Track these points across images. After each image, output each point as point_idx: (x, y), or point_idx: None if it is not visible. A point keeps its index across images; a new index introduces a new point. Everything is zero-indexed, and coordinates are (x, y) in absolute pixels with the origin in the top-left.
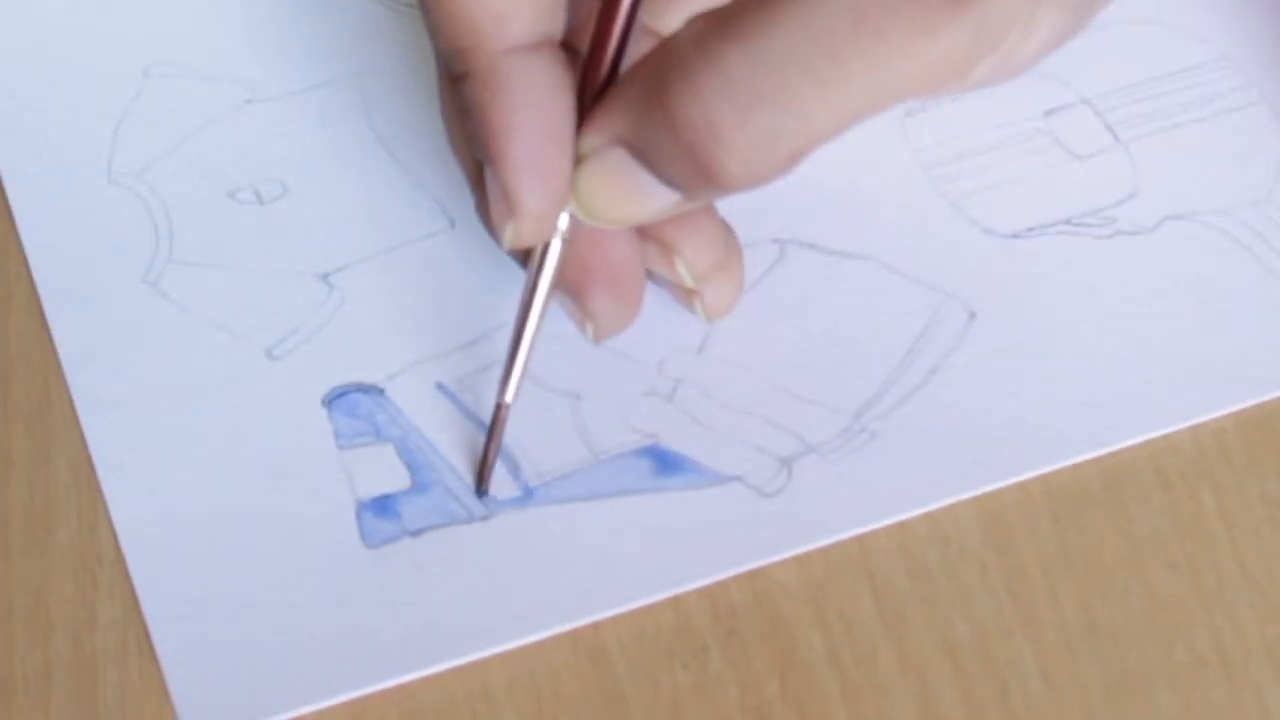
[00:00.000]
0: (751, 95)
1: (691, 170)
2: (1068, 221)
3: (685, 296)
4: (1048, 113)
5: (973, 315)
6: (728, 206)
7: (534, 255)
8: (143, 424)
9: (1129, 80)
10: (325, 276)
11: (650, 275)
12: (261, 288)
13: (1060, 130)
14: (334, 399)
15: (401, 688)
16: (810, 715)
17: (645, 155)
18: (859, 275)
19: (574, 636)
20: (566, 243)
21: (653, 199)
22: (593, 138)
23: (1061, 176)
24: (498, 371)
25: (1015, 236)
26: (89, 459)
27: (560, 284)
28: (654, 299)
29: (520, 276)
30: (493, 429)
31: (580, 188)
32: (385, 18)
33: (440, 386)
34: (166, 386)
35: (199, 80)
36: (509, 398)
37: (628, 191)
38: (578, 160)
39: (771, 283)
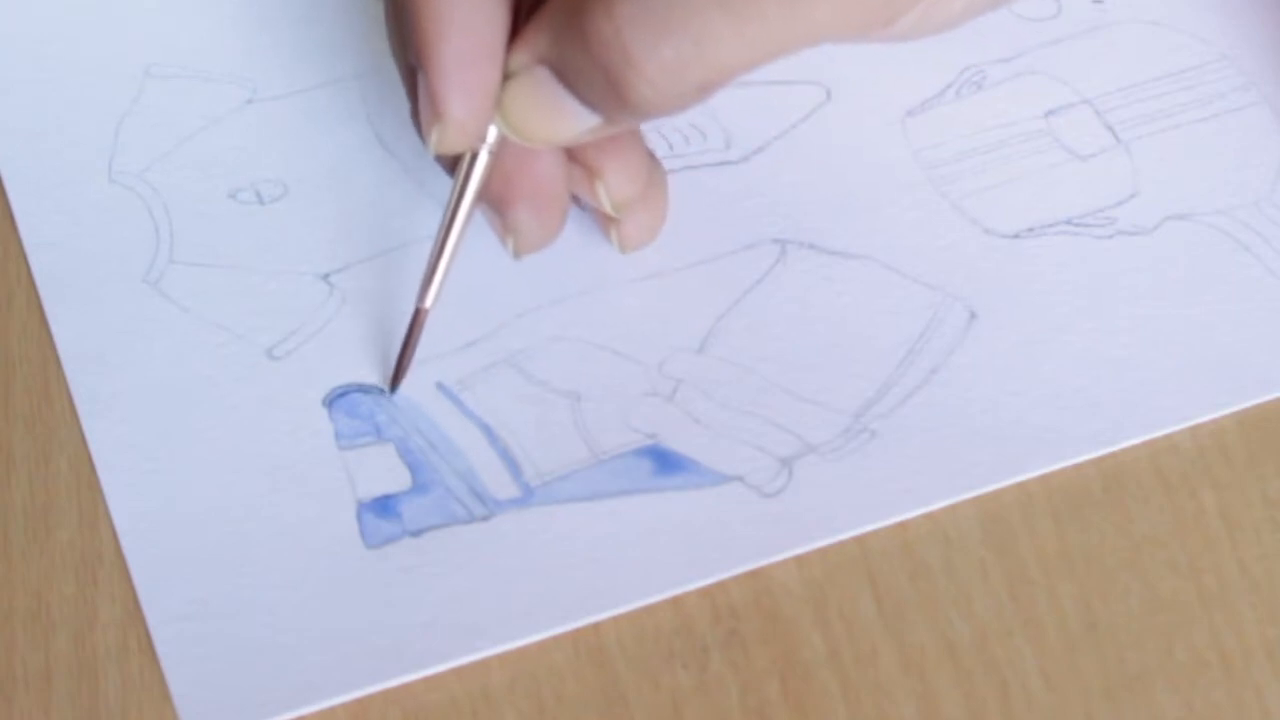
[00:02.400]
0: (664, 21)
1: (606, 92)
2: (1068, 221)
3: (605, 224)
4: (1048, 113)
5: (973, 315)
6: (727, 206)
7: (460, 165)
8: (143, 424)
9: (1129, 80)
10: (325, 276)
11: (575, 200)
12: (262, 288)
13: (1061, 130)
14: (334, 399)
15: (402, 687)
16: (810, 715)
17: (565, 75)
18: (859, 275)
19: (574, 636)
20: (493, 156)
21: (574, 120)
22: (520, 55)
23: (1062, 176)
24: (498, 371)
25: (1015, 236)
26: (89, 459)
27: (485, 196)
28: (652, 300)
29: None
30: (410, 333)
31: (505, 104)
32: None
33: (440, 386)
34: (166, 386)
35: (199, 80)
36: (428, 303)
37: (550, 111)
38: (506, 76)
39: (771, 283)
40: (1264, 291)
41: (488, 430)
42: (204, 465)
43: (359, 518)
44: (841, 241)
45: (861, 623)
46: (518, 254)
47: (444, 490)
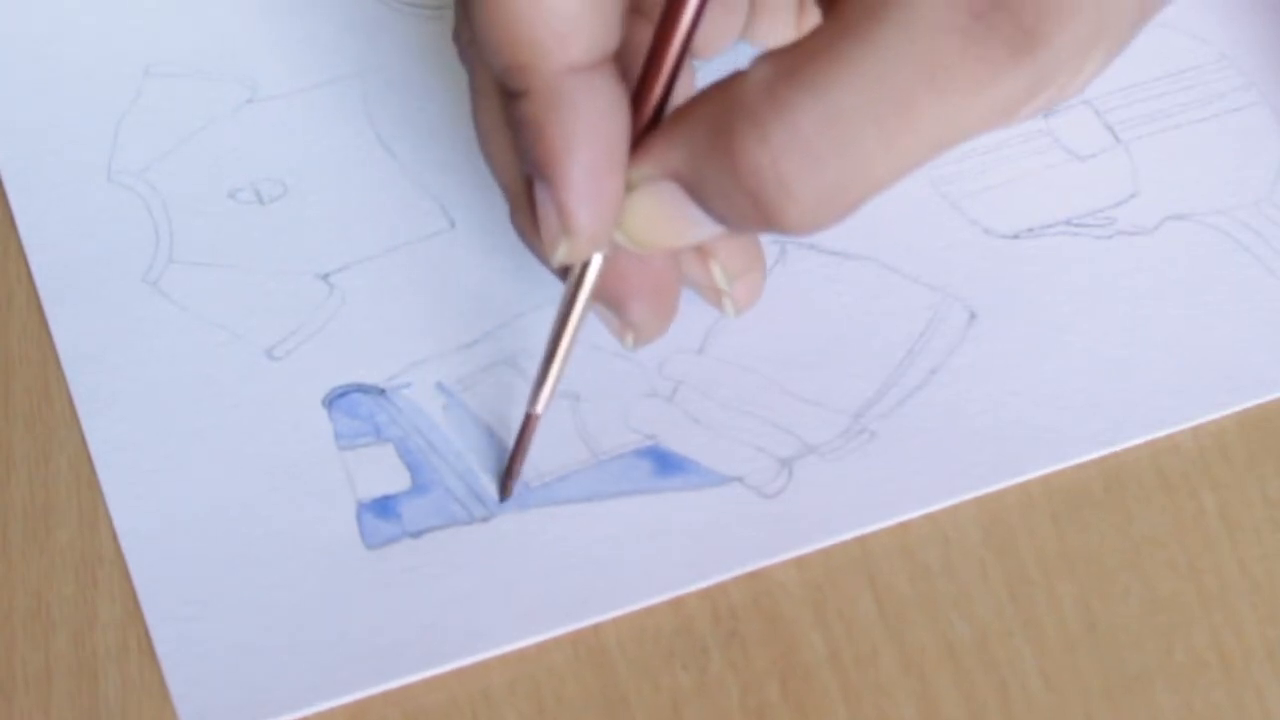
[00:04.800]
0: (820, 149)
1: (752, 214)
2: (1068, 222)
3: (714, 295)
4: (1048, 113)
5: (973, 315)
6: None
7: (574, 267)
8: (143, 424)
9: (1129, 80)
10: (325, 276)
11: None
12: (262, 288)
13: (1060, 130)
14: (334, 399)
15: (402, 689)
16: (810, 716)
17: (700, 193)
18: (859, 275)
19: (574, 637)
20: (606, 257)
21: (698, 231)
22: (646, 167)
23: (1061, 177)
24: (498, 371)
25: (1015, 237)
26: (89, 459)
27: (598, 294)
28: None
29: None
30: (521, 438)
31: (628, 215)
32: (386, 18)
33: (440, 386)
34: (166, 386)
35: (199, 80)
36: (540, 409)
37: (675, 223)
38: (628, 187)
39: (771, 283)
40: (1264, 291)
41: (488, 430)
42: (204, 465)
43: (359, 518)
44: (841, 241)
45: (861, 623)
46: (636, 347)
47: (444, 491)
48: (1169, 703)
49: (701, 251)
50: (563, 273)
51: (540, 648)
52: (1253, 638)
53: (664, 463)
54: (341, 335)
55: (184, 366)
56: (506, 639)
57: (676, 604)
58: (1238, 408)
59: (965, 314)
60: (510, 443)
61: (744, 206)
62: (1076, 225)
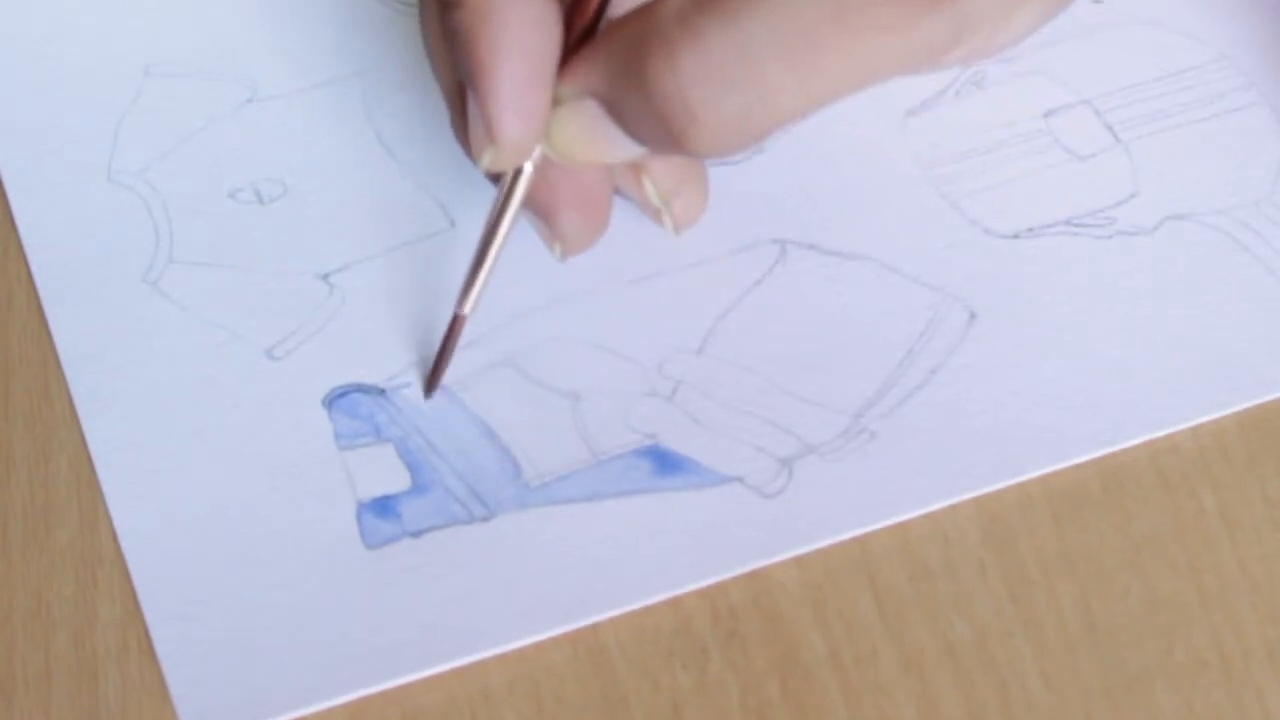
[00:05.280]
0: (728, 77)
1: (661, 136)
2: (1068, 222)
3: (654, 213)
4: (1048, 113)
5: (973, 315)
6: (727, 206)
7: (505, 176)
8: (143, 424)
9: (1129, 80)
10: (325, 276)
11: (617, 191)
12: (261, 288)
13: (1060, 130)
14: (334, 399)
15: (402, 688)
16: (810, 716)
17: (617, 113)
18: (859, 275)
19: (574, 637)
20: (537, 168)
21: (619, 149)
22: (570, 85)
23: (1061, 177)
24: (498, 371)
25: (1015, 237)
26: (89, 459)
27: (529, 204)
28: (652, 300)
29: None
30: (447, 338)
31: (553, 130)
32: (386, 18)
33: (440, 386)
34: (166, 386)
35: (199, 80)
36: (467, 309)
37: (597, 139)
38: (554, 102)
39: (771, 283)
40: (1264, 291)
41: (488, 430)
42: (204, 465)
43: (359, 518)
44: (841, 241)
45: (861, 623)
46: (565, 257)
47: (444, 490)
48: (1169, 703)
49: (636, 168)
50: (495, 180)
51: (540, 647)
52: (1253, 638)
53: (664, 463)
54: (341, 335)
55: (184, 366)
56: (506, 639)
57: (676, 604)
58: (1237, 408)
59: (965, 314)
60: (510, 443)
61: (654, 128)
62: (1076, 225)
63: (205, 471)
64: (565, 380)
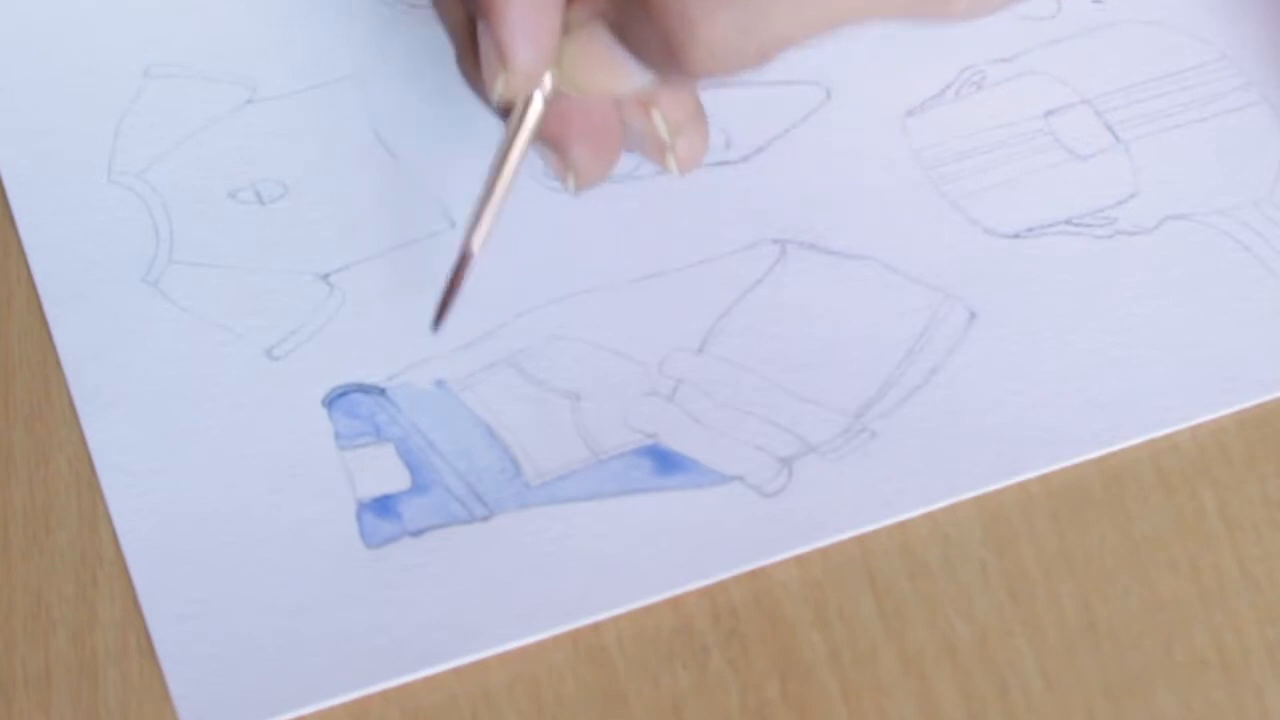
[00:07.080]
0: None
1: (663, 54)
2: (1068, 221)
3: (658, 152)
4: (1048, 113)
5: (973, 315)
6: (727, 206)
7: (516, 107)
8: (143, 424)
9: (1129, 80)
10: (325, 276)
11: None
12: (261, 288)
13: (1060, 130)
14: (334, 399)
15: (402, 688)
16: (810, 715)
17: (623, 34)
18: (859, 275)
19: (574, 636)
20: (548, 99)
21: (629, 77)
22: (580, 10)
23: (1061, 176)
24: (498, 371)
25: (1015, 236)
26: (89, 459)
27: (540, 137)
28: (652, 300)
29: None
30: (456, 274)
31: (564, 57)
32: (386, 18)
33: (440, 386)
34: (166, 386)
35: (199, 80)
36: (476, 246)
37: (606, 66)
38: (565, 29)
39: (771, 283)
40: (1264, 291)
41: (488, 430)
42: (204, 465)
43: (359, 518)
44: (841, 241)
45: (861, 623)
46: (578, 190)
47: (444, 490)
48: (1169, 702)
49: (643, 103)
50: (506, 115)
51: (540, 647)
52: (1253, 638)
53: (664, 462)
54: (341, 335)
55: (184, 366)
56: (506, 638)
57: (676, 603)
58: (1237, 407)
59: (965, 314)
60: (510, 442)
61: (656, 46)
62: (1076, 225)
63: (205, 471)
64: (565, 380)
